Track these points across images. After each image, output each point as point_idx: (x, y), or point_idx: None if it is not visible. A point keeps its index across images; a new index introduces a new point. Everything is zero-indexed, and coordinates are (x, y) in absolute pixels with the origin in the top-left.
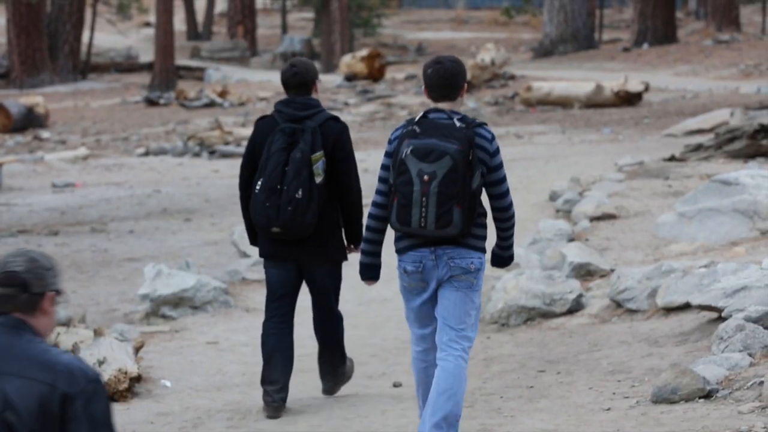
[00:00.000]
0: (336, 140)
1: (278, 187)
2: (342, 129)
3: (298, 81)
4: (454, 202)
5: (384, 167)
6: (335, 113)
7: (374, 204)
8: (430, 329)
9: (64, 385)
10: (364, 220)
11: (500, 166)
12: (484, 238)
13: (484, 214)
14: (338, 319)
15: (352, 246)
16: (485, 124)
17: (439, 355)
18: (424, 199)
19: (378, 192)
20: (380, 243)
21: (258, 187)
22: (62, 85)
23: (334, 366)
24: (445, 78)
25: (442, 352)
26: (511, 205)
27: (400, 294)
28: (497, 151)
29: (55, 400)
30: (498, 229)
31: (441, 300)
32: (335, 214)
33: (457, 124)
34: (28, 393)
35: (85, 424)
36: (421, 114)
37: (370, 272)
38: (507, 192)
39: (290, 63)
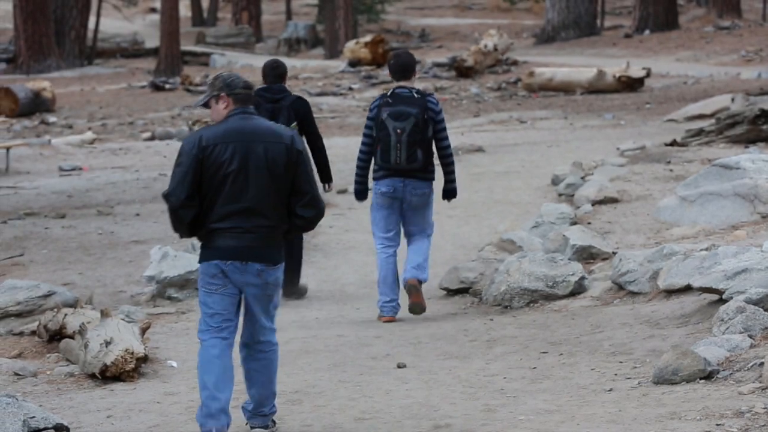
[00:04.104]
0: (306, 112)
1: None
2: (307, 103)
3: (276, 74)
4: (417, 146)
5: (367, 126)
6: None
7: (360, 150)
8: (392, 233)
9: (297, 145)
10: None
11: (443, 120)
12: (434, 172)
13: (433, 156)
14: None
15: (326, 186)
16: (432, 94)
17: (411, 239)
18: (398, 145)
19: (363, 143)
20: (367, 174)
21: None
22: (69, 70)
23: None
24: (403, 66)
25: (413, 237)
26: (449, 146)
27: (371, 208)
28: (440, 111)
29: (293, 153)
30: (443, 165)
31: (408, 215)
32: None
33: (415, 96)
34: (278, 150)
35: (305, 168)
36: (391, 90)
37: (363, 195)
38: (447, 137)
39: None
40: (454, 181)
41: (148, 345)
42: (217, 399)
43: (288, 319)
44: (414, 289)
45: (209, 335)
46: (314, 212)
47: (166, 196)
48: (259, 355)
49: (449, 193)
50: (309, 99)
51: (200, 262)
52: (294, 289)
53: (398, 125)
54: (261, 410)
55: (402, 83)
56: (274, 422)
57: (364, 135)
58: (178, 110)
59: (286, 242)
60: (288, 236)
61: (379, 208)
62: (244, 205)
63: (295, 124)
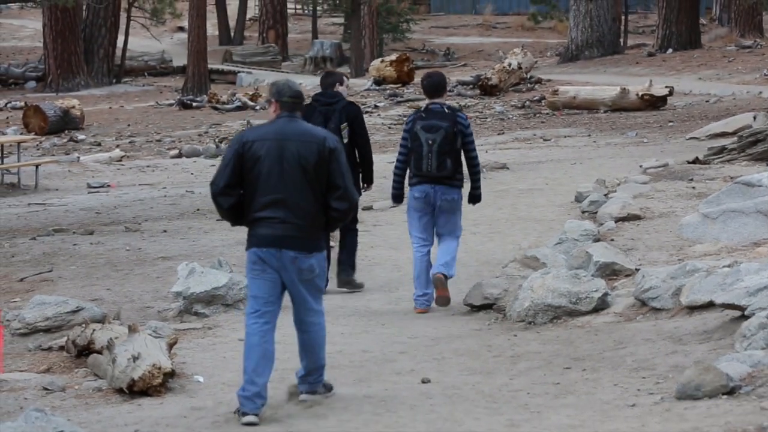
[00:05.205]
0: (355, 116)
1: None
2: (358, 108)
3: (329, 83)
4: (446, 156)
5: (404, 138)
6: (365, 116)
7: (398, 160)
8: (426, 234)
9: (329, 144)
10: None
11: (471, 134)
12: (462, 180)
13: (461, 166)
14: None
15: (365, 185)
16: (461, 110)
17: (441, 239)
18: (429, 154)
19: (400, 153)
20: (403, 181)
21: None
22: (97, 89)
23: None
24: (434, 85)
25: (442, 237)
26: (477, 157)
27: (407, 211)
28: (469, 125)
29: (326, 151)
30: (471, 174)
31: (439, 218)
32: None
33: (446, 111)
34: (311, 149)
35: (338, 165)
36: (425, 106)
37: (399, 199)
38: (475, 149)
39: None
40: (479, 188)
41: (175, 360)
42: (255, 383)
43: None
44: (440, 283)
45: (252, 320)
46: (347, 205)
47: (210, 184)
48: (306, 329)
49: (474, 198)
50: None
51: (246, 249)
52: (347, 280)
53: (430, 137)
54: (308, 378)
55: (434, 100)
56: (325, 386)
57: (401, 146)
58: (205, 128)
59: (341, 238)
60: (329, 229)
61: (414, 212)
62: (279, 197)
63: (345, 125)
